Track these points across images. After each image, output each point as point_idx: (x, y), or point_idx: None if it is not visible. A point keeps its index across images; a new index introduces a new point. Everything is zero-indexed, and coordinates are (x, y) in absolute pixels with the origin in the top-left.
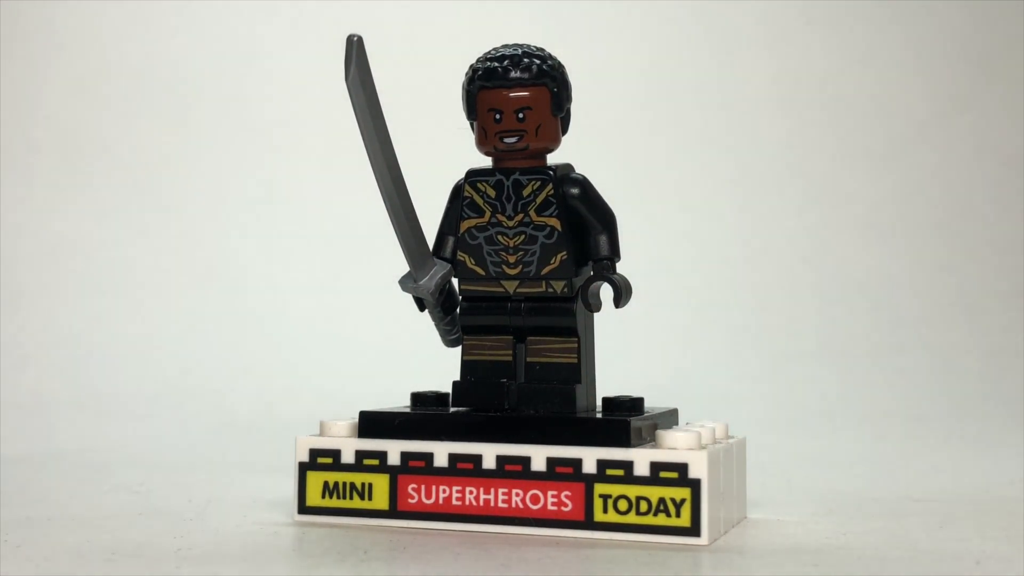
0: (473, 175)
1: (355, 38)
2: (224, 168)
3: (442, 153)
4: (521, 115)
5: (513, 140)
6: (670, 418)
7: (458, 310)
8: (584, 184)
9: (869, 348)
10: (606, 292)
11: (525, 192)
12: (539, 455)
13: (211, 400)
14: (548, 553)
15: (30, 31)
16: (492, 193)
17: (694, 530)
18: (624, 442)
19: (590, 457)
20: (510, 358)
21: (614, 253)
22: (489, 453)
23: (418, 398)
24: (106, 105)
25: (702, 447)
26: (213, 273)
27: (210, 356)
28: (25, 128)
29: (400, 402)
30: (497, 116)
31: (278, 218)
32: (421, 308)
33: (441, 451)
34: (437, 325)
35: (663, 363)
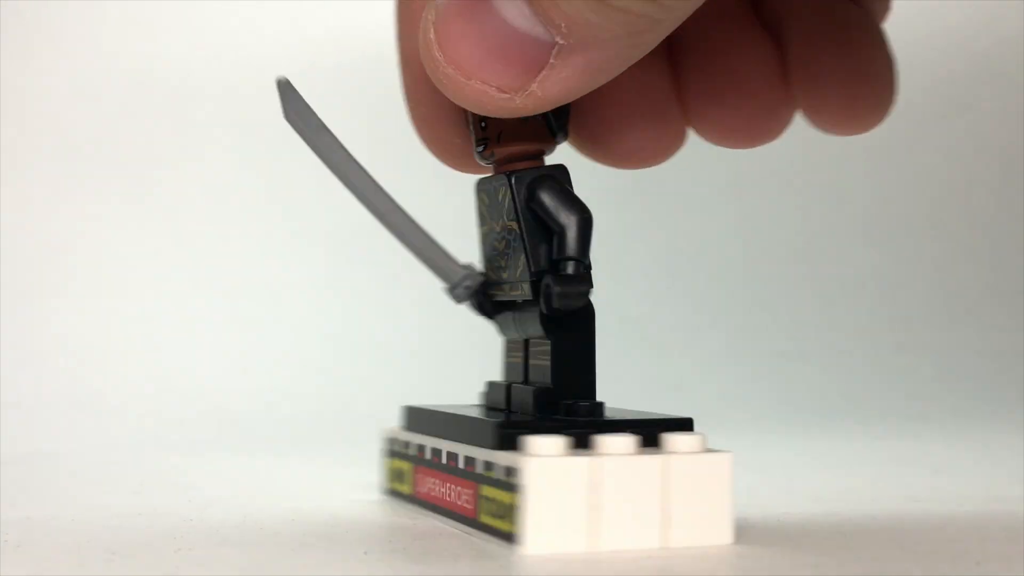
0: (479, 183)
1: (281, 80)
2: (224, 168)
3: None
4: (483, 123)
5: (480, 150)
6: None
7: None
8: (533, 184)
9: (869, 348)
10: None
11: (499, 197)
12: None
13: (211, 400)
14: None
15: (30, 31)
16: (487, 200)
17: (518, 537)
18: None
19: (481, 457)
20: (519, 360)
21: (562, 255)
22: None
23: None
24: (106, 105)
25: (557, 455)
26: (213, 273)
27: (210, 356)
28: (25, 128)
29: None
30: (471, 128)
31: (278, 218)
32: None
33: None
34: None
35: (663, 363)
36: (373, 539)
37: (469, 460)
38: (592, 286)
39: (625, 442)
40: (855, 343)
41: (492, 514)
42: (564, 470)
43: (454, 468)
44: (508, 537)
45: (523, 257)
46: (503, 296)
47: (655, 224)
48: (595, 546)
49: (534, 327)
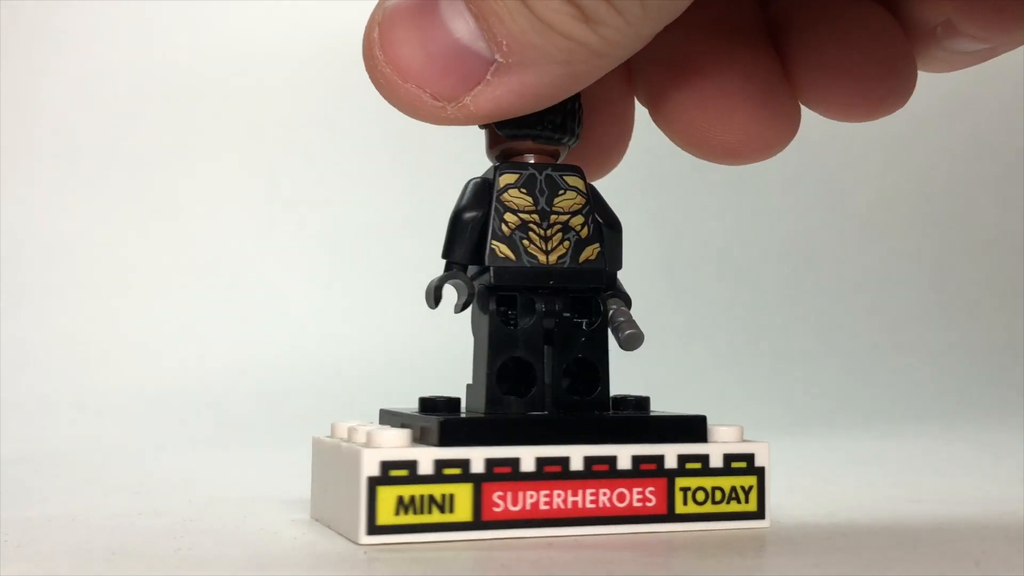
0: None
1: None
2: (224, 168)
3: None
4: None
5: None
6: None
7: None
8: None
9: (869, 348)
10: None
11: None
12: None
13: (211, 400)
14: (547, 555)
15: (30, 31)
16: None
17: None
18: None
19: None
20: None
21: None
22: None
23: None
24: (106, 105)
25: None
26: (213, 273)
27: (210, 356)
28: (25, 128)
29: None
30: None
31: (278, 218)
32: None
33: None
34: None
35: (662, 363)
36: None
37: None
38: (437, 282)
39: (398, 435)
40: (855, 343)
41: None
42: (317, 451)
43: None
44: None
45: None
46: None
47: (655, 224)
48: (329, 523)
49: None
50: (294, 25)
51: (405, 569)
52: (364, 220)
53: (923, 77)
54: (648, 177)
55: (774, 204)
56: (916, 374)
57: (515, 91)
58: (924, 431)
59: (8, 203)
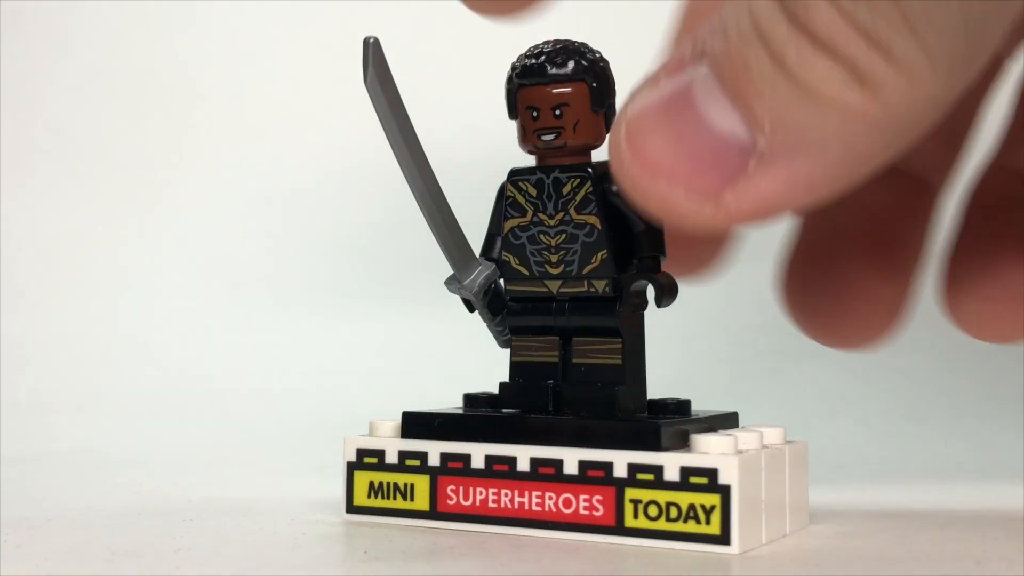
0: (515, 174)
1: (371, 40)
2: (224, 168)
3: (489, 152)
4: (558, 112)
5: (550, 138)
6: (726, 421)
7: (506, 311)
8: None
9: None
10: (650, 291)
11: (565, 190)
12: (571, 458)
13: (211, 400)
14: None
15: (30, 31)
16: (533, 192)
17: (724, 538)
18: (655, 446)
19: (621, 461)
20: (556, 359)
21: (657, 250)
22: (524, 455)
23: (471, 399)
24: (107, 105)
25: (738, 452)
26: (214, 274)
27: (210, 356)
28: (25, 128)
29: (415, 404)
30: (535, 114)
31: (279, 217)
32: (470, 309)
33: (478, 452)
34: (488, 326)
35: (663, 363)
36: (373, 539)
37: (591, 465)
38: None
39: (776, 433)
40: None
41: (654, 518)
42: (756, 465)
43: (551, 475)
44: (708, 539)
45: (600, 252)
46: (536, 290)
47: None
48: (770, 536)
49: (594, 321)
50: (296, 24)
51: (405, 570)
52: (368, 219)
53: None
54: None
55: None
56: (916, 373)
57: (783, 182)
58: (924, 431)
59: (8, 203)
